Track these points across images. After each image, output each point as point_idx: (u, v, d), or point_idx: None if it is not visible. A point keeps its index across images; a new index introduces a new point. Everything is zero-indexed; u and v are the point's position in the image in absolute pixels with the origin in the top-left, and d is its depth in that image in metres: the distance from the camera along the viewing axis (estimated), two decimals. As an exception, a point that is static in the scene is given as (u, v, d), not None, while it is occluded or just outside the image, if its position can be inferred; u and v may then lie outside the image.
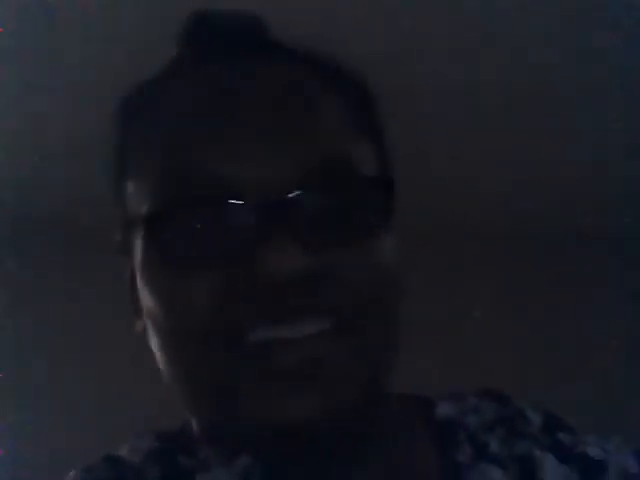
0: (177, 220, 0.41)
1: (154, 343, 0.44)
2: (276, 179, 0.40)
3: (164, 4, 1.15)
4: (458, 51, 1.57)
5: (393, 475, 0.45)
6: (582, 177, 2.06)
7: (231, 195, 0.40)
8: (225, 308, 0.39)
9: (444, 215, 2.16)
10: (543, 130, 1.84)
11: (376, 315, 0.42)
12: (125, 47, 1.46)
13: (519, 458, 0.47)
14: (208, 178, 0.41)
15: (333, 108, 0.44)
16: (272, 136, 0.41)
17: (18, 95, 1.63)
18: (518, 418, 0.50)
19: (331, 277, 0.40)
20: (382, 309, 0.42)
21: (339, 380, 0.39)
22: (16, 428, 1.87)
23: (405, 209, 0.50)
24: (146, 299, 0.43)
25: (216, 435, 0.44)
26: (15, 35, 1.41)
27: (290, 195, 0.39)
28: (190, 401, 0.43)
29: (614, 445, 0.50)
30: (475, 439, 0.48)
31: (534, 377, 1.96)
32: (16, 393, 1.93)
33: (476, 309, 2.17)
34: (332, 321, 0.40)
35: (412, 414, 0.50)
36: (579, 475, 0.47)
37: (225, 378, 0.40)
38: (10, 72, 1.54)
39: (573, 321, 2.28)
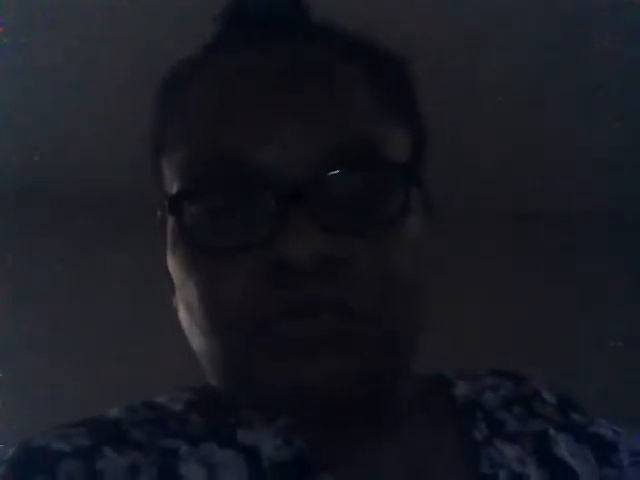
0: (202, 201, 0.41)
1: (183, 319, 0.45)
2: (299, 163, 0.40)
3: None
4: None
5: (412, 451, 0.46)
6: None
7: (253, 178, 0.40)
8: (245, 290, 0.40)
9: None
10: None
11: (394, 302, 0.42)
12: (165, 28, 1.48)
13: (535, 435, 0.48)
14: (231, 160, 0.41)
15: (364, 91, 0.44)
16: (297, 120, 0.41)
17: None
18: (534, 397, 0.51)
19: (350, 263, 0.40)
20: (400, 297, 0.42)
21: (355, 352, 0.40)
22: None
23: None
24: (175, 278, 0.45)
25: (247, 402, 0.44)
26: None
27: (311, 179, 0.40)
28: (220, 373, 0.45)
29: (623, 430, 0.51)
30: (492, 417, 0.49)
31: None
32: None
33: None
34: (350, 305, 0.40)
35: (430, 393, 0.50)
36: (593, 453, 0.48)
37: (250, 351, 0.41)
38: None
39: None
